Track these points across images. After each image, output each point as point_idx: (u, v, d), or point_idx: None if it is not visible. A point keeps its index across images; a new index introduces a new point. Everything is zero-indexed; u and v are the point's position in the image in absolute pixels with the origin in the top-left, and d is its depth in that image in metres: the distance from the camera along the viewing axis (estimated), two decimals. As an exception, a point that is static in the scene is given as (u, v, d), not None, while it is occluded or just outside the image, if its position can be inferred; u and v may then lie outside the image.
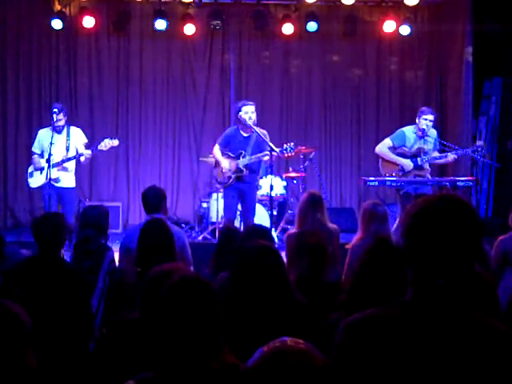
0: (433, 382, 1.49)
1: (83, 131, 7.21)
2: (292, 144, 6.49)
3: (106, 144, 6.88)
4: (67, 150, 6.89)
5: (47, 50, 9.38)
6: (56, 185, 6.77)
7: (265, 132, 6.55)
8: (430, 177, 7.02)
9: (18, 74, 9.31)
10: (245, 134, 6.68)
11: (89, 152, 6.89)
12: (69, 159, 6.85)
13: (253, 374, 1.34)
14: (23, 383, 1.78)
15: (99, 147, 6.89)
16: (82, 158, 6.93)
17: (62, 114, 6.83)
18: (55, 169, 6.75)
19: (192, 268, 4.63)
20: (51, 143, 6.61)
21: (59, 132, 6.86)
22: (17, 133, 9.27)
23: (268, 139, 6.44)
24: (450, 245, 1.53)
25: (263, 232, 3.96)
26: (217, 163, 6.85)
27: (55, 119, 6.76)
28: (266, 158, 6.52)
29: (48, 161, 6.52)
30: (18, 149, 9.20)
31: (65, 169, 6.87)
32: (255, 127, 6.48)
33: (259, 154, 6.58)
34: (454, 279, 1.55)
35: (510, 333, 1.54)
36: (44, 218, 3.77)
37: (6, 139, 9.30)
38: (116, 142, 6.97)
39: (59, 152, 6.84)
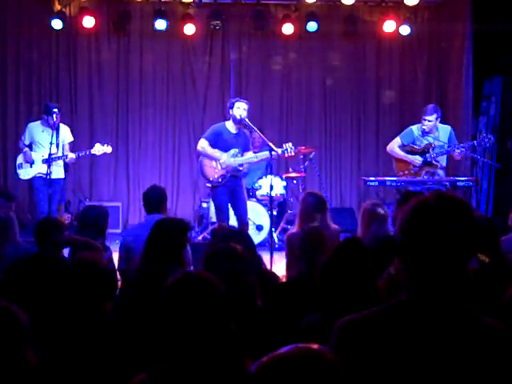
0: (430, 382, 1.48)
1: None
2: (290, 144, 6.43)
3: (99, 149, 7.25)
4: (57, 147, 7.17)
5: (47, 50, 9.37)
6: (47, 177, 7.06)
7: (247, 131, 6.50)
8: (441, 172, 6.99)
9: (18, 73, 9.31)
10: (233, 131, 6.56)
11: (73, 156, 7.25)
12: (59, 158, 7.18)
13: (261, 376, 1.31)
14: (23, 379, 1.79)
15: (92, 151, 7.29)
16: (67, 159, 7.28)
17: (57, 114, 7.12)
18: (45, 164, 7.06)
19: (192, 268, 4.63)
20: (51, 143, 6.89)
21: (53, 129, 7.09)
22: (17, 132, 9.24)
23: (261, 135, 6.43)
24: (445, 243, 1.52)
25: (233, 234, 3.94)
26: (204, 160, 6.61)
27: (55, 119, 7.02)
28: (261, 158, 6.48)
29: (48, 160, 6.85)
30: (18, 149, 9.18)
31: (56, 163, 7.19)
32: (250, 123, 6.41)
33: (260, 154, 6.53)
34: (450, 278, 1.54)
35: (507, 332, 1.54)
36: (47, 220, 3.83)
37: (6, 139, 9.31)
38: (109, 149, 7.35)
39: (51, 149, 7.10)
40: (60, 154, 7.18)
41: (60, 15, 8.92)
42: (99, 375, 2.36)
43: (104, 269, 2.72)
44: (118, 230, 8.60)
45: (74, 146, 7.77)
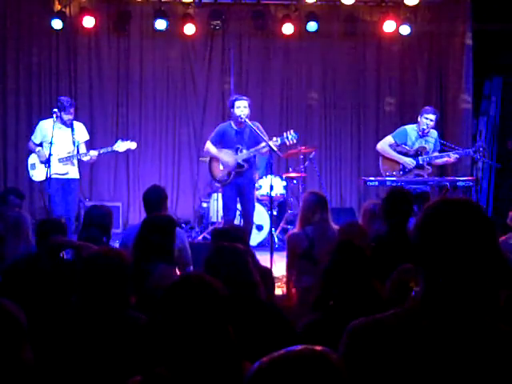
0: None
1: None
2: (292, 131, 6.48)
3: (122, 146, 6.92)
4: (74, 144, 6.89)
5: (47, 50, 9.37)
6: (62, 177, 6.81)
7: (257, 124, 6.51)
8: (426, 177, 7.01)
9: (18, 73, 9.31)
10: (238, 129, 6.60)
11: (95, 154, 6.91)
12: (73, 156, 6.86)
13: (262, 376, 1.30)
14: (21, 379, 1.78)
15: (115, 148, 6.92)
16: (87, 158, 6.95)
17: (73, 109, 6.89)
18: (61, 164, 6.79)
19: (192, 268, 4.63)
20: (51, 143, 6.58)
21: (68, 126, 6.86)
22: (17, 133, 9.26)
23: (263, 131, 6.43)
24: (461, 247, 1.50)
25: (224, 232, 3.96)
26: (211, 161, 6.72)
27: (71, 112, 6.81)
28: (265, 149, 6.48)
29: (48, 160, 6.51)
30: (19, 149, 9.19)
31: (72, 163, 6.89)
32: (249, 122, 6.42)
33: (258, 147, 6.52)
34: (465, 282, 1.51)
35: None
36: (48, 221, 3.84)
37: (6, 139, 9.29)
38: (134, 145, 7.02)
39: (66, 147, 6.86)
40: (75, 152, 6.87)
41: (60, 15, 8.93)
42: (110, 373, 2.36)
43: (128, 260, 2.70)
44: (118, 230, 8.59)
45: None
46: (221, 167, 6.64)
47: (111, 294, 2.51)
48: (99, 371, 2.35)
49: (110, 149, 6.94)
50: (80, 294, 2.55)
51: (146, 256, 3.55)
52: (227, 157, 6.56)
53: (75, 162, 6.94)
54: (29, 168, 7.05)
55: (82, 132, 7.07)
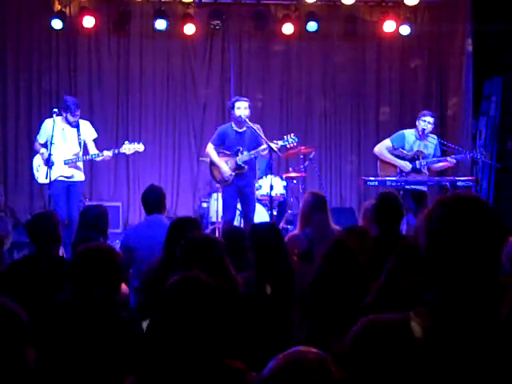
0: None
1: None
2: (293, 135, 6.51)
3: (130, 148, 6.76)
4: (80, 145, 6.72)
5: (47, 50, 9.37)
6: (68, 180, 6.66)
7: (258, 126, 6.54)
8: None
9: (18, 73, 9.31)
10: (239, 130, 6.62)
11: (110, 154, 6.72)
12: (78, 158, 6.67)
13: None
14: (22, 380, 1.78)
15: (122, 150, 6.77)
16: (100, 158, 6.78)
17: (79, 111, 6.72)
18: (67, 166, 6.64)
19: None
20: (51, 143, 6.51)
21: (73, 126, 6.69)
22: (17, 133, 9.26)
23: (262, 134, 6.45)
24: (475, 247, 1.47)
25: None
26: (212, 162, 6.73)
27: (77, 114, 6.65)
28: (265, 152, 6.49)
29: (48, 160, 6.43)
30: (18, 149, 9.20)
31: (77, 167, 6.74)
32: (250, 123, 6.44)
33: (259, 149, 6.54)
34: (479, 283, 1.49)
35: None
36: (36, 217, 3.85)
37: (5, 139, 9.29)
38: (142, 148, 6.85)
39: (72, 148, 6.71)
40: (81, 154, 6.69)
41: (60, 15, 8.92)
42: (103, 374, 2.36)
43: (119, 256, 2.71)
44: (118, 230, 8.59)
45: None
46: (223, 171, 6.63)
47: (103, 288, 2.52)
48: (87, 369, 2.35)
49: (116, 151, 6.78)
50: (72, 289, 2.55)
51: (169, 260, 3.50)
52: (224, 165, 6.58)
53: (81, 164, 6.76)
54: (34, 170, 6.84)
55: (89, 130, 6.87)
